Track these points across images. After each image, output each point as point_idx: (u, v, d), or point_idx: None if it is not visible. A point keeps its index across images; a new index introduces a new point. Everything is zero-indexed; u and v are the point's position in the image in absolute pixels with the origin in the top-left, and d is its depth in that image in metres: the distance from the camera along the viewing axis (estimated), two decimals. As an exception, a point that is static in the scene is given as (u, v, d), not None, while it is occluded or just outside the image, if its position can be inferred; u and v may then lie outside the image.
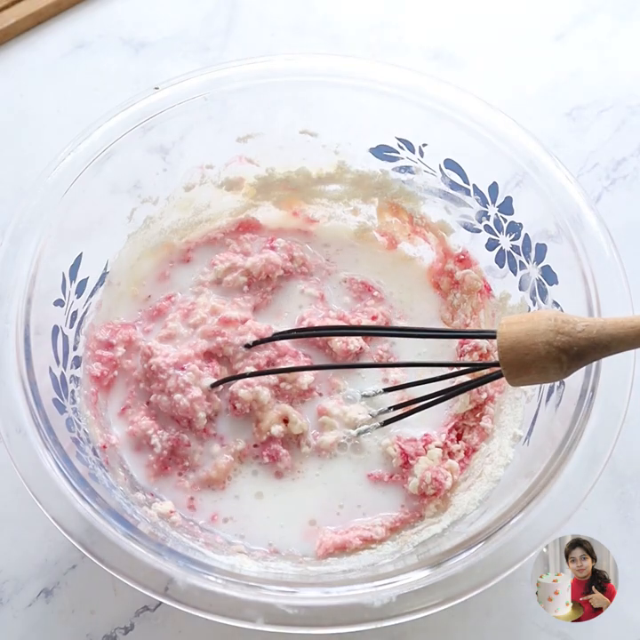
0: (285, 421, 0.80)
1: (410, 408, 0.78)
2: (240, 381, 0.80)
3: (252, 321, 0.83)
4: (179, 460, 0.79)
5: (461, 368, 0.79)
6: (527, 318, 0.65)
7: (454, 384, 0.78)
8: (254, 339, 0.82)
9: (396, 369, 0.83)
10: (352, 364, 0.84)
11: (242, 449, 0.80)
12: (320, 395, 0.83)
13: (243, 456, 0.80)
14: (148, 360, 0.81)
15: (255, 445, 0.80)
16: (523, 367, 0.65)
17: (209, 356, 0.82)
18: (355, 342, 0.84)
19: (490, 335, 0.70)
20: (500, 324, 0.66)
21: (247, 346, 0.82)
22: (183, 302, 0.85)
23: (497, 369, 0.67)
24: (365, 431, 0.80)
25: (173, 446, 0.79)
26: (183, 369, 0.80)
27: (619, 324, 0.62)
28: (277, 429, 0.79)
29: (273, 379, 0.81)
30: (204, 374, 0.80)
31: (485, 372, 0.74)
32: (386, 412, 0.80)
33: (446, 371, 0.79)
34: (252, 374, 0.80)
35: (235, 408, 0.80)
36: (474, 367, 0.77)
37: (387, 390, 0.81)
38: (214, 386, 0.80)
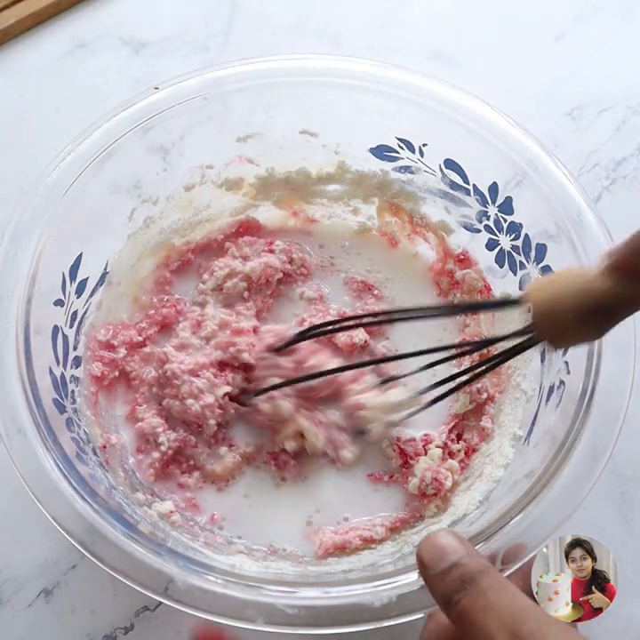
0: (301, 435, 0.80)
1: (449, 386, 0.72)
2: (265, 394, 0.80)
3: (271, 325, 0.83)
4: (183, 459, 0.80)
5: (485, 345, 0.75)
6: (553, 280, 0.63)
7: (476, 363, 0.74)
8: (277, 342, 0.81)
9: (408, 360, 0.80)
10: (369, 360, 0.83)
11: (251, 452, 0.80)
12: (334, 398, 0.81)
13: (251, 459, 0.80)
14: (162, 365, 0.81)
15: (267, 452, 0.80)
16: (559, 331, 0.62)
17: (223, 365, 0.82)
18: (359, 336, 0.84)
19: (513, 302, 0.66)
20: (525, 293, 0.64)
21: (277, 349, 0.81)
22: (191, 312, 0.85)
23: (524, 338, 0.65)
24: (413, 413, 0.76)
25: (180, 447, 0.79)
26: (198, 376, 0.80)
27: None
28: (291, 446, 0.79)
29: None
30: (217, 383, 0.80)
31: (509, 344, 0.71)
32: (424, 392, 0.74)
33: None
34: (282, 384, 0.79)
35: (255, 420, 0.80)
36: (504, 339, 0.70)
37: (425, 367, 0.74)
38: (256, 395, 0.79)
